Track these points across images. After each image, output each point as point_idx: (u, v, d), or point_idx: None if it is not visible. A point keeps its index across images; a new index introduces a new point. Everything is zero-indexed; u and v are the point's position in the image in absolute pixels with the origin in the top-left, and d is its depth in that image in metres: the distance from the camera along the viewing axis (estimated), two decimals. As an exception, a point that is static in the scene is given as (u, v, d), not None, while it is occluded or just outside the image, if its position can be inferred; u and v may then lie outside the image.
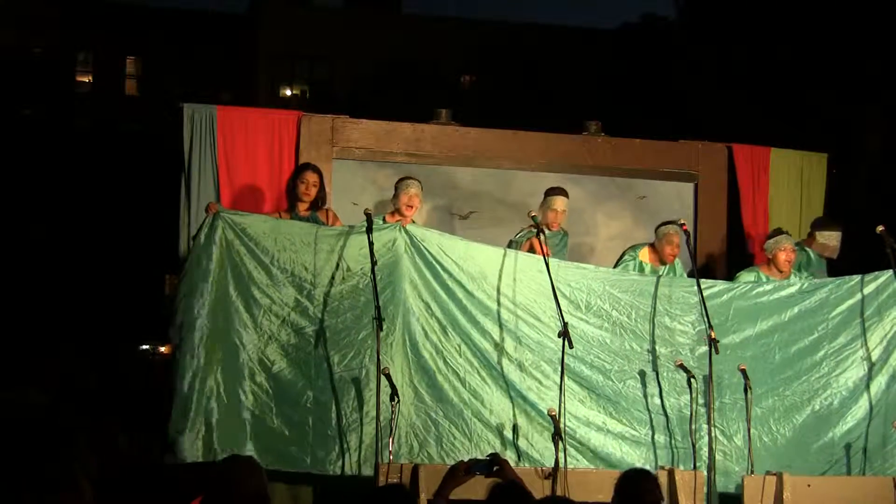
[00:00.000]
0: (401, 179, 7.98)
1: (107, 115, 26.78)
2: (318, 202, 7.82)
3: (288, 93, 29.85)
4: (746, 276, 8.15)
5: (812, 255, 8.47)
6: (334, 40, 28.41)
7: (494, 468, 5.91)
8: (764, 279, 8.10)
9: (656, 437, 7.43)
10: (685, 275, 8.16)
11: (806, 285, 7.84)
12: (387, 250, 7.31)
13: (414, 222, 7.90)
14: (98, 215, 22.15)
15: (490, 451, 7.15)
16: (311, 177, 7.76)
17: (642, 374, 7.49)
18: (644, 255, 8.17)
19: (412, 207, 7.86)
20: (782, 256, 8.12)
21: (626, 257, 8.19)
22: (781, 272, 8.12)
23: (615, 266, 8.16)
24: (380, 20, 28.91)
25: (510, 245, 7.93)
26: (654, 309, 7.57)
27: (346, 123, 8.71)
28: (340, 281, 7.22)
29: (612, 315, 7.54)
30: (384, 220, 7.84)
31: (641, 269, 8.10)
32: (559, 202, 8.17)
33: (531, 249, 7.75)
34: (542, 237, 7.59)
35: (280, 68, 29.54)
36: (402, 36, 28.02)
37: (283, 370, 7.09)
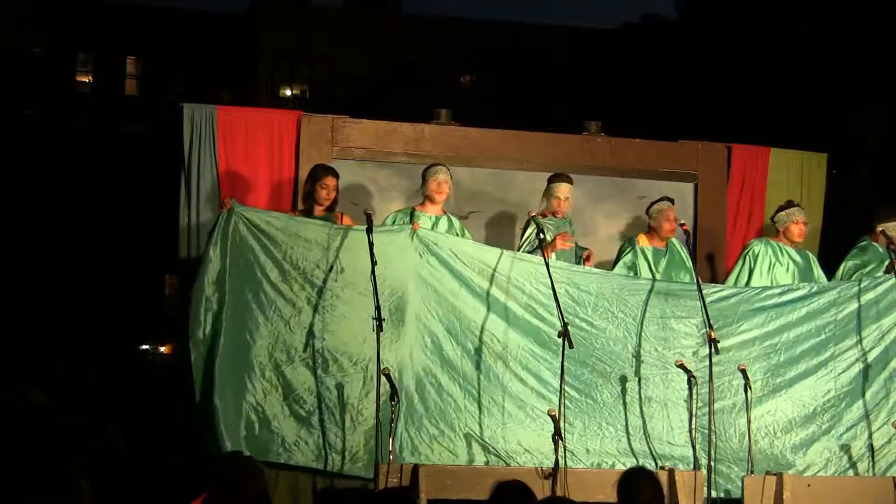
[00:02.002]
0: (427, 167, 7.99)
1: (107, 115, 26.78)
2: (334, 204, 7.84)
3: (288, 93, 29.85)
4: (757, 245, 8.22)
5: (880, 249, 8.30)
6: (334, 40, 28.40)
7: None
8: (776, 247, 8.17)
9: (655, 438, 7.43)
10: (686, 254, 8.17)
11: (814, 288, 7.84)
12: (401, 251, 7.33)
13: (445, 213, 7.93)
14: (98, 215, 22.16)
15: (493, 452, 7.17)
16: (331, 181, 7.73)
17: (644, 376, 7.48)
18: (642, 241, 8.16)
19: (442, 193, 7.88)
20: (795, 230, 8.19)
21: (625, 250, 8.17)
22: (794, 242, 8.20)
23: (616, 261, 8.16)
24: (380, 20, 28.90)
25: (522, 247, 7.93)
26: (661, 311, 7.58)
27: (346, 123, 8.70)
28: (352, 281, 7.24)
29: (617, 317, 7.55)
30: (414, 211, 7.87)
31: (644, 254, 8.10)
32: (563, 189, 8.14)
33: (554, 250, 7.74)
34: (542, 236, 7.61)
35: (280, 68, 29.55)
36: (402, 36, 28.02)
37: (291, 367, 7.10)
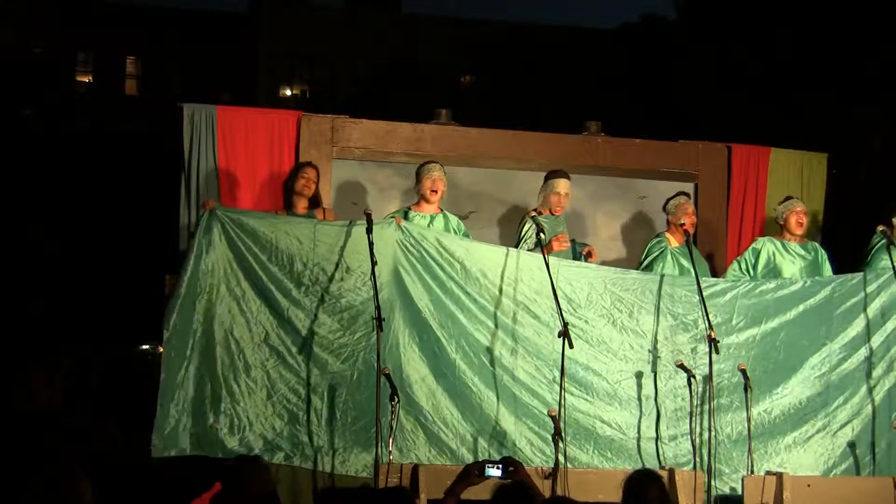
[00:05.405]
0: (421, 165, 7.98)
1: (107, 115, 26.77)
2: (317, 200, 7.85)
3: (288, 93, 29.85)
4: (761, 242, 8.25)
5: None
6: (334, 40, 28.40)
7: (509, 469, 5.88)
8: (780, 245, 8.17)
9: (654, 437, 7.42)
10: (699, 253, 8.17)
11: (809, 283, 7.84)
12: (385, 248, 7.30)
13: (442, 211, 7.90)
14: (98, 215, 22.14)
15: (486, 452, 7.16)
16: (310, 172, 7.83)
17: (642, 373, 7.47)
18: (670, 240, 8.19)
19: (436, 192, 7.85)
20: (793, 219, 8.23)
21: (654, 249, 8.14)
22: (795, 235, 8.22)
23: (644, 259, 8.15)
24: (380, 20, 28.90)
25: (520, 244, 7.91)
26: (657, 308, 7.56)
27: (346, 123, 8.71)
28: (339, 279, 7.22)
29: (612, 314, 7.52)
30: (409, 210, 7.85)
31: (673, 254, 8.07)
32: (563, 184, 8.11)
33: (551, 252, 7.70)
34: (541, 236, 7.59)
35: (280, 68, 29.54)
36: (402, 36, 28.02)
37: (278, 367, 7.10)
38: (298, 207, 7.77)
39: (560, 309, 6.97)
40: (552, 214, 8.07)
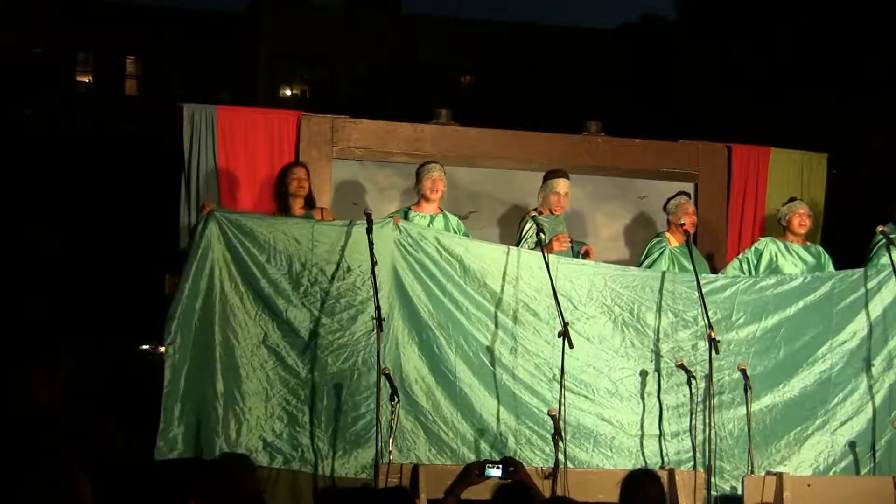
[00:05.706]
0: (421, 165, 7.97)
1: (107, 115, 26.78)
2: (311, 199, 7.83)
3: (288, 93, 29.86)
4: (763, 242, 8.22)
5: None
6: (334, 40, 28.42)
7: (509, 469, 5.89)
8: (782, 246, 8.15)
9: (654, 435, 7.41)
10: (699, 252, 8.16)
11: (809, 279, 7.83)
12: (383, 248, 7.29)
13: (442, 211, 7.90)
14: (98, 215, 22.14)
15: (487, 451, 7.16)
16: (300, 172, 7.79)
17: (643, 371, 7.47)
18: (670, 240, 8.18)
19: (437, 192, 7.84)
20: (796, 220, 8.21)
21: (654, 249, 8.12)
22: (797, 236, 8.20)
23: (644, 259, 8.13)
24: (380, 20, 28.92)
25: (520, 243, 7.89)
26: (658, 304, 7.55)
27: (346, 123, 8.71)
28: (339, 279, 7.21)
29: (613, 311, 7.51)
30: (409, 210, 7.84)
31: (673, 253, 8.05)
32: (562, 184, 8.10)
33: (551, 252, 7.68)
34: (541, 236, 7.59)
35: (280, 68, 29.57)
36: (402, 36, 28.04)
37: (278, 368, 7.09)
38: (295, 209, 7.75)
39: (560, 310, 6.96)
40: (552, 214, 8.07)
